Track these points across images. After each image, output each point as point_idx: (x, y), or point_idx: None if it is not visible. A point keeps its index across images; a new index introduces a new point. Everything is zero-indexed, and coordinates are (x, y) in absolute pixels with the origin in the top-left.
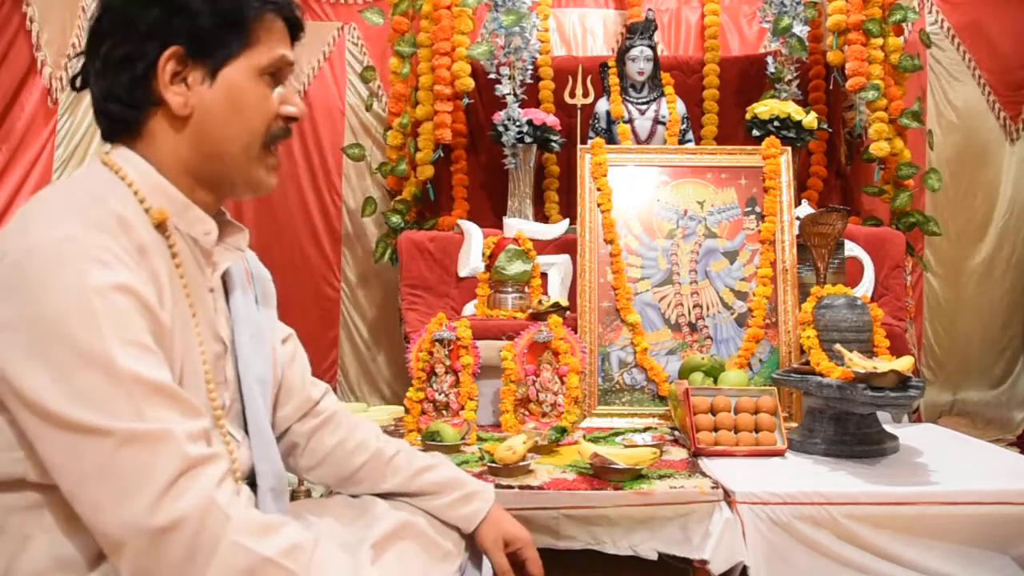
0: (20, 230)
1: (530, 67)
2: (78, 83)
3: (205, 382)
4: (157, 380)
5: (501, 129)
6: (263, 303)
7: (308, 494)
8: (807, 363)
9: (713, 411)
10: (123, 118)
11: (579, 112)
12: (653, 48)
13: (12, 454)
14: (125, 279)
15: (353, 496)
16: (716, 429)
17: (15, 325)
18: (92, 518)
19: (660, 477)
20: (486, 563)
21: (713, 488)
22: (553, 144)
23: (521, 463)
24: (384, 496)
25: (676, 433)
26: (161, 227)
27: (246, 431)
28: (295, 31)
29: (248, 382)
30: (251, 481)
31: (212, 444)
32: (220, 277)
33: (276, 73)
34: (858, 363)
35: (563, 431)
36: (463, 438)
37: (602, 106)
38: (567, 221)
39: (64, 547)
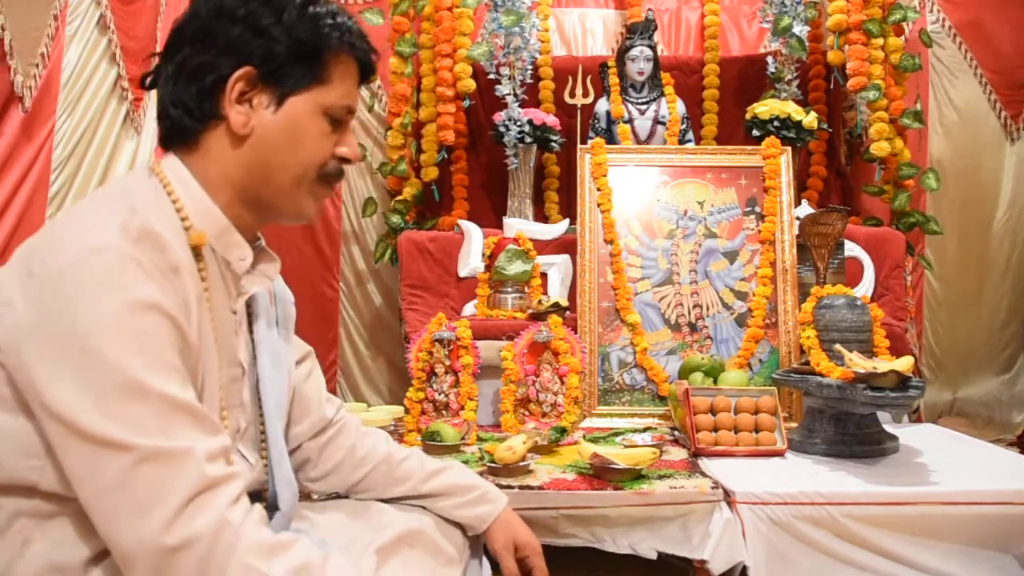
0: (59, 237)
1: (530, 67)
2: (147, 82)
3: (220, 407)
4: (182, 399)
5: (502, 129)
6: (283, 324)
7: (308, 496)
8: (807, 363)
9: (713, 411)
10: (183, 126)
11: (579, 112)
12: (653, 48)
13: (32, 461)
14: (158, 297)
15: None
16: (716, 429)
17: (48, 336)
18: (107, 531)
19: (660, 477)
20: (486, 566)
21: (713, 488)
22: (553, 144)
23: (521, 463)
24: (394, 502)
25: (676, 433)
26: (196, 250)
27: (260, 454)
28: (367, 74)
29: (268, 406)
30: (256, 501)
31: (231, 463)
32: (245, 302)
33: (339, 118)
34: (858, 363)
35: (563, 431)
36: (463, 438)
37: (602, 106)
38: (567, 221)
39: (60, 554)
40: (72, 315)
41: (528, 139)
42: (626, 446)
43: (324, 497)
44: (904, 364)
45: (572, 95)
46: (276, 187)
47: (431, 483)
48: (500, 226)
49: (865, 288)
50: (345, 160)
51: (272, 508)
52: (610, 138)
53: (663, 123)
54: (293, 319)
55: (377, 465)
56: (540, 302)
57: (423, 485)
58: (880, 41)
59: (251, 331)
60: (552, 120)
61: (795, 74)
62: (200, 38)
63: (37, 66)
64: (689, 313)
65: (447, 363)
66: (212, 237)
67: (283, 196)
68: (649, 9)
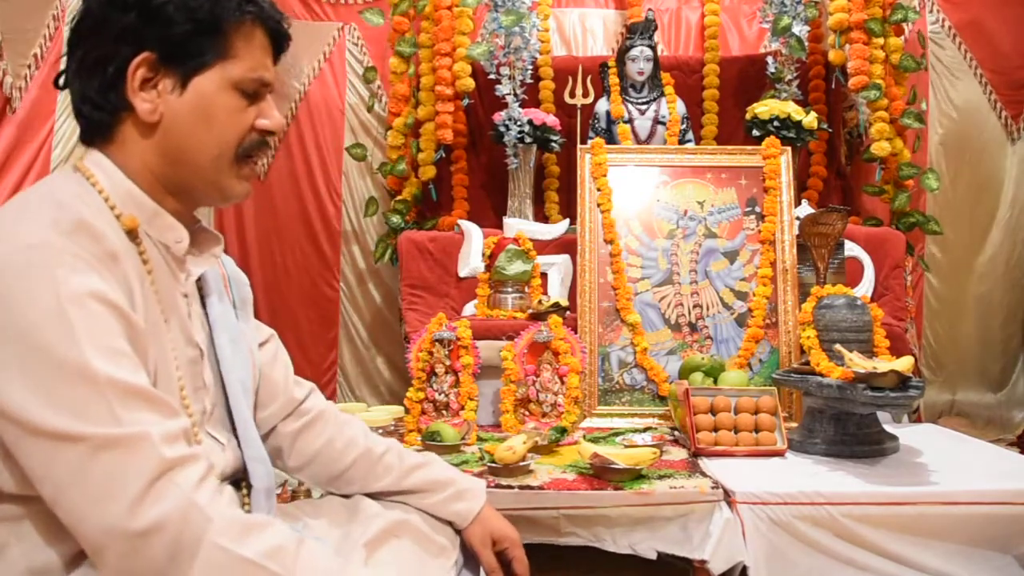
0: None
1: (530, 67)
2: (60, 82)
3: (179, 387)
4: (133, 383)
5: (502, 129)
6: (240, 307)
7: (308, 493)
8: (807, 363)
9: (713, 411)
10: (96, 121)
11: (579, 112)
12: (653, 48)
13: None
14: (97, 285)
15: (346, 497)
16: (716, 429)
17: None
18: (73, 523)
19: (660, 477)
20: None
21: (713, 488)
22: (553, 144)
23: (521, 463)
24: (376, 496)
25: (676, 433)
26: (132, 233)
27: (233, 434)
28: (279, 42)
29: (232, 385)
30: (236, 482)
31: (192, 444)
32: (195, 283)
33: (252, 92)
34: (858, 363)
35: (563, 431)
36: (463, 438)
37: (602, 106)
38: (567, 221)
39: (38, 555)
40: (11, 313)
41: (528, 139)
42: (626, 446)
43: (321, 494)
44: (904, 364)
45: (572, 95)
46: (195, 169)
47: (411, 478)
48: (500, 226)
49: (865, 288)
50: (267, 132)
51: (250, 487)
52: (610, 138)
53: (663, 123)
54: (250, 300)
55: (357, 460)
56: (540, 302)
57: (403, 480)
58: (881, 41)
59: (206, 314)
60: (552, 120)
61: (795, 74)
62: (95, 30)
63: (29, 67)
64: (689, 313)
65: (447, 363)
66: (143, 222)
67: (204, 178)
68: (649, 9)
